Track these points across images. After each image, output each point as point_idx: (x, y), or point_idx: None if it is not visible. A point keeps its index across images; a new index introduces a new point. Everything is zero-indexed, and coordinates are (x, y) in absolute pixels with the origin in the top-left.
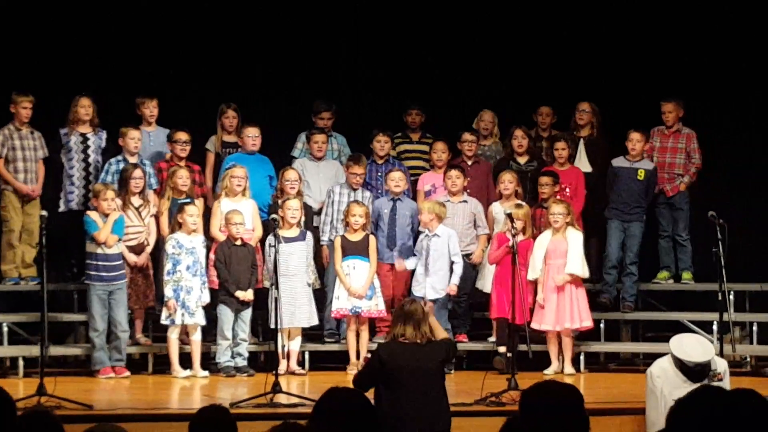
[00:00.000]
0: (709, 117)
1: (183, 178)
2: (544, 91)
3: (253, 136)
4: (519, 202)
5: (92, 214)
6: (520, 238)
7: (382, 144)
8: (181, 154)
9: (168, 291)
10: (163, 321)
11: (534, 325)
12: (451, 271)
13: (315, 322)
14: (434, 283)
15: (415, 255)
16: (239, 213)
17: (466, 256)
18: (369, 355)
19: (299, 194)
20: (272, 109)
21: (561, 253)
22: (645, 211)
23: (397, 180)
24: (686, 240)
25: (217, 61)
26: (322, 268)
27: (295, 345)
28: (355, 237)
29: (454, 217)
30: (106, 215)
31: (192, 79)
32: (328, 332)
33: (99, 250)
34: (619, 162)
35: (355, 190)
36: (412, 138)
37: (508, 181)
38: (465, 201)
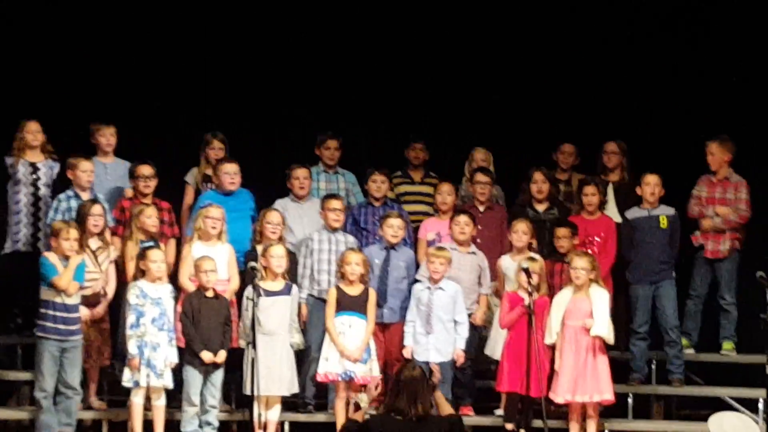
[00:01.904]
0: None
1: (152, 217)
2: (565, 128)
3: (231, 173)
4: (533, 255)
5: (50, 256)
6: (535, 296)
7: (378, 184)
8: (144, 190)
9: (131, 347)
10: (125, 383)
11: (551, 395)
12: (455, 332)
13: (296, 389)
14: (438, 344)
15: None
16: (211, 259)
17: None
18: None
19: (281, 240)
20: (256, 141)
21: (583, 314)
22: (674, 267)
23: (395, 228)
24: (731, 305)
25: (194, 84)
26: (302, 326)
27: (273, 414)
28: (353, 290)
29: (460, 271)
30: (67, 258)
31: (162, 105)
32: (305, 401)
33: (57, 299)
34: (634, 213)
35: (335, 230)
36: (414, 178)
37: (522, 232)
38: (473, 253)
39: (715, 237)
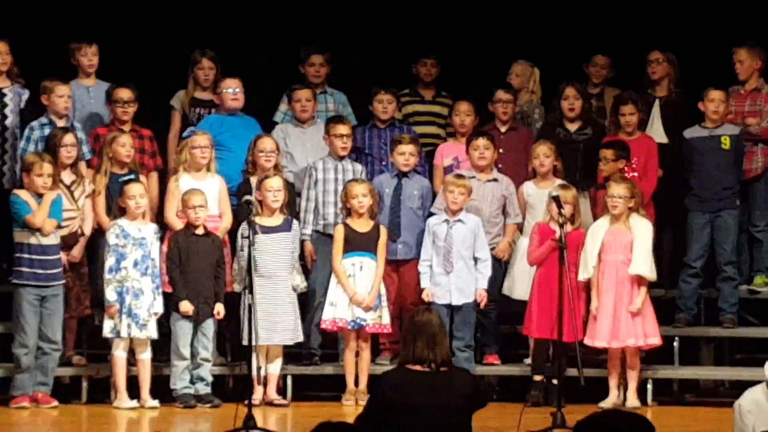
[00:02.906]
0: None
1: (126, 146)
2: (600, 39)
3: (233, 90)
4: (562, 182)
5: (22, 194)
6: (568, 228)
7: (384, 105)
8: (122, 116)
9: (110, 294)
10: (106, 334)
11: (586, 341)
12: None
13: (300, 338)
14: (460, 283)
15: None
16: (200, 193)
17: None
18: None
19: (277, 169)
20: (251, 62)
21: (622, 247)
22: (738, 194)
23: (407, 153)
24: (762, 231)
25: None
26: (305, 266)
27: (274, 367)
28: (363, 226)
29: (480, 201)
30: (40, 195)
31: (146, 21)
32: (310, 351)
33: (33, 240)
34: (693, 132)
35: (341, 158)
36: (424, 96)
37: (543, 155)
38: (494, 179)
39: (747, 156)
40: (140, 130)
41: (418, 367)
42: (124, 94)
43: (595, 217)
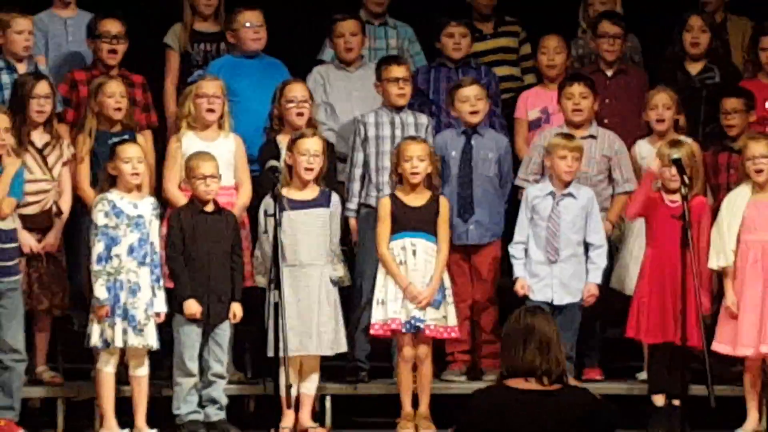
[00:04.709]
0: None
1: (116, 95)
2: None
3: (253, 25)
4: (681, 138)
5: None
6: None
7: (456, 39)
8: (108, 59)
9: (100, 290)
10: (95, 343)
11: (720, 348)
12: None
13: (343, 348)
14: (565, 277)
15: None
16: (210, 158)
17: None
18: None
19: (311, 125)
20: None
21: None
22: None
23: (473, 99)
24: None
25: None
26: (351, 252)
27: (309, 386)
28: (416, 199)
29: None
30: None
31: None
32: (355, 365)
33: None
34: None
35: (399, 109)
36: (483, 30)
37: (664, 106)
38: (593, 136)
39: None
40: (130, 76)
41: (522, 384)
42: (113, 26)
43: (716, 190)
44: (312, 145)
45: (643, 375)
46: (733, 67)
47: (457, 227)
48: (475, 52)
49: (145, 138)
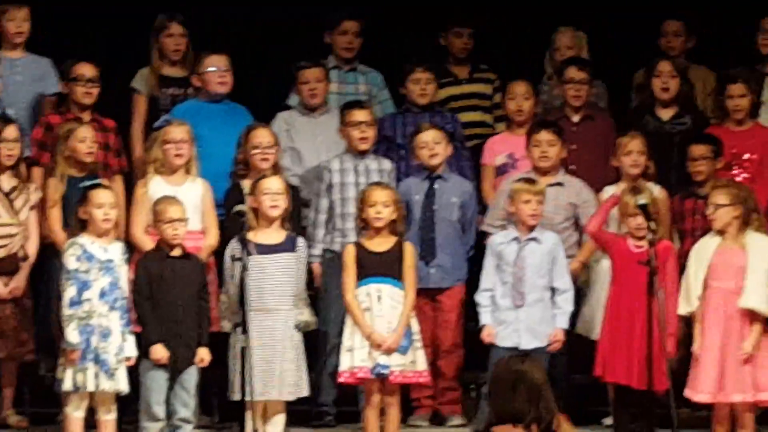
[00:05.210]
0: None
1: (87, 140)
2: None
3: (219, 69)
4: (642, 184)
5: None
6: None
7: (422, 85)
8: (84, 99)
9: (72, 335)
10: (66, 388)
11: (686, 393)
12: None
13: (304, 392)
14: (532, 322)
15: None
16: (177, 202)
17: None
18: None
19: (276, 170)
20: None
21: (734, 272)
22: None
23: (431, 143)
24: None
25: None
26: (316, 297)
27: (274, 430)
28: (380, 245)
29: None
30: None
31: None
32: (320, 409)
33: None
34: None
35: (362, 153)
36: (458, 75)
37: (638, 152)
38: (559, 184)
39: None
40: (102, 120)
41: (510, 431)
42: (88, 70)
43: (683, 235)
44: (273, 183)
45: (608, 420)
46: (701, 114)
47: (420, 270)
48: (449, 96)
49: (117, 182)
